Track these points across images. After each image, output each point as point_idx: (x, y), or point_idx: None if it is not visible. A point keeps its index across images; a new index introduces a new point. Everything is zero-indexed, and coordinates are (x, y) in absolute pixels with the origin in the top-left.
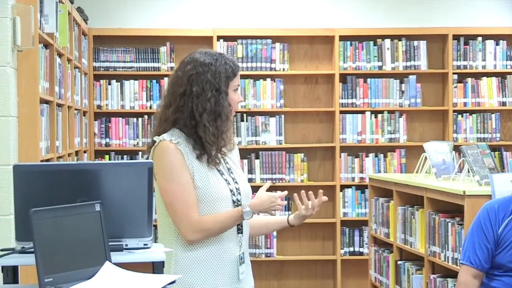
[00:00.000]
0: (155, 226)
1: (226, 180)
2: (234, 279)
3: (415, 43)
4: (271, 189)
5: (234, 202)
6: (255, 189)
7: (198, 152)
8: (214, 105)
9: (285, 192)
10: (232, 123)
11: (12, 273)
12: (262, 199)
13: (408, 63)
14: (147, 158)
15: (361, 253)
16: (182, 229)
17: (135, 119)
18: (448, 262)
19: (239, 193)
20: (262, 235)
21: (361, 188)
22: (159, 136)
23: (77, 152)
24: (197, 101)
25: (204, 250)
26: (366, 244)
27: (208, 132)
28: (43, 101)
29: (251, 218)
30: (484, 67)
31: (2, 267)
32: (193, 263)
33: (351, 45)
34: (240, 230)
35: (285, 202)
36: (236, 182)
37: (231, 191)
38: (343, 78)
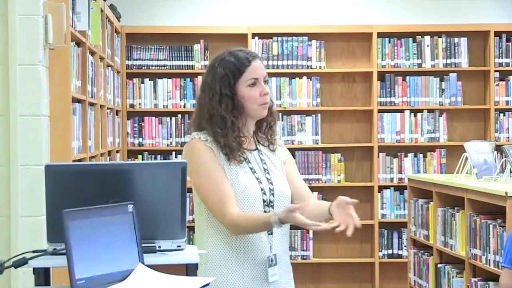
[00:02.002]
0: (189, 227)
1: (258, 178)
2: (262, 281)
3: (456, 40)
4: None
5: (264, 201)
6: None
7: (223, 152)
8: (212, 109)
9: (321, 226)
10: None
11: (43, 275)
12: (292, 216)
13: (449, 61)
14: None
15: (400, 256)
16: (219, 220)
17: (168, 118)
18: (489, 265)
19: (272, 194)
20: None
21: (399, 189)
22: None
23: (109, 152)
24: (201, 105)
25: (233, 250)
26: (405, 246)
27: (210, 134)
28: (75, 100)
29: (281, 226)
30: None
31: (34, 269)
32: (223, 263)
33: (389, 42)
34: (270, 232)
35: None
36: (271, 183)
37: (262, 189)
38: (381, 76)
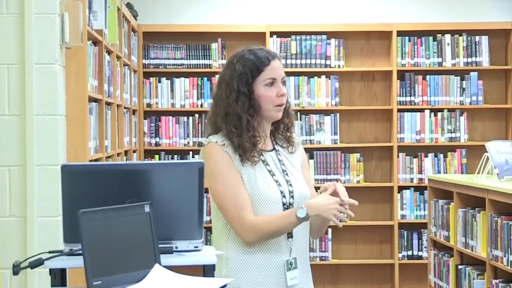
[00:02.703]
0: (206, 228)
1: (277, 181)
2: (281, 285)
3: (477, 38)
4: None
5: (284, 204)
6: None
7: (238, 153)
8: (228, 107)
9: (352, 201)
10: (269, 120)
11: (60, 276)
12: (319, 199)
13: (469, 59)
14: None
15: (420, 257)
16: (236, 231)
17: (185, 118)
18: (510, 266)
19: (292, 196)
20: (321, 234)
21: (419, 189)
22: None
23: (126, 152)
24: (217, 104)
25: (251, 253)
26: (425, 247)
27: (225, 134)
28: (91, 100)
29: (307, 219)
30: None
31: (50, 269)
32: (243, 266)
33: (409, 40)
34: (290, 235)
35: (349, 212)
36: (290, 185)
37: (282, 192)
38: (401, 75)
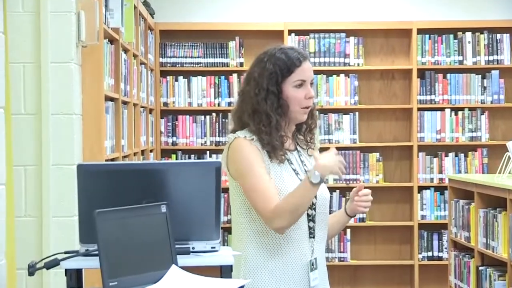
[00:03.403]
0: (223, 228)
1: (301, 180)
2: (304, 286)
3: (498, 36)
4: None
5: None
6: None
7: (266, 149)
8: (256, 104)
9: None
10: (294, 122)
11: (75, 277)
12: (322, 159)
13: (491, 57)
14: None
15: (440, 258)
16: (266, 223)
17: (202, 117)
18: None
19: (315, 196)
20: (336, 234)
21: (440, 189)
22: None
23: (143, 152)
24: (245, 100)
25: (273, 254)
26: (445, 248)
27: (253, 131)
28: (108, 99)
29: (322, 181)
30: None
31: (66, 270)
32: (263, 267)
33: (429, 38)
34: (312, 235)
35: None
36: None
37: None
38: (421, 73)
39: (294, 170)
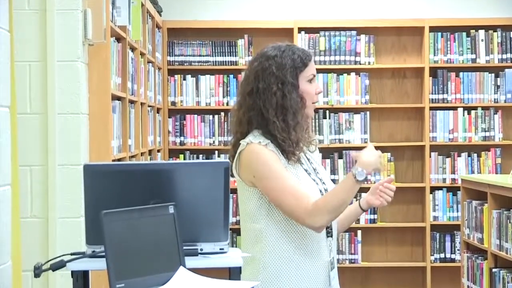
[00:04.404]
0: (232, 229)
1: (314, 180)
2: (325, 285)
3: None
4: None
5: None
6: None
7: (281, 151)
8: (281, 99)
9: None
10: (306, 119)
11: (82, 278)
12: (365, 156)
13: (504, 56)
14: (228, 158)
15: (452, 260)
16: (301, 221)
17: (211, 116)
18: None
19: None
20: (347, 227)
21: (452, 190)
22: (240, 139)
23: (150, 151)
24: (264, 97)
25: (292, 255)
26: (458, 250)
27: (277, 128)
28: (115, 98)
29: (367, 178)
30: None
31: (72, 272)
32: (283, 269)
33: (442, 36)
34: (330, 234)
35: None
36: (323, 183)
37: (320, 191)
38: (434, 72)
39: (306, 171)
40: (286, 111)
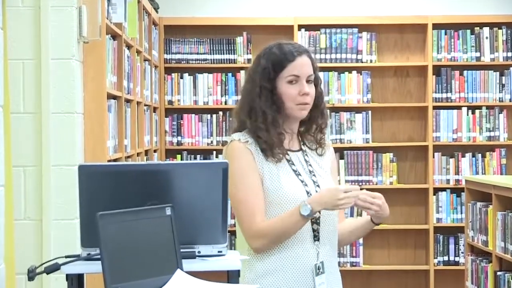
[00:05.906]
0: (230, 232)
1: (302, 181)
2: None
3: None
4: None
5: None
6: None
7: (262, 149)
8: (252, 102)
9: (355, 187)
10: (294, 120)
11: (77, 282)
12: (322, 193)
13: (509, 54)
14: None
15: (456, 263)
16: (245, 236)
17: (209, 115)
18: None
19: None
20: (353, 241)
21: (456, 191)
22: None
23: (146, 152)
24: (244, 98)
25: (277, 258)
26: (462, 253)
27: (250, 128)
28: (110, 97)
29: (312, 215)
30: None
31: (67, 275)
32: (267, 271)
33: (445, 34)
34: (316, 238)
35: (360, 195)
36: (317, 186)
37: (308, 193)
38: (437, 70)
39: (295, 171)
40: (256, 113)
